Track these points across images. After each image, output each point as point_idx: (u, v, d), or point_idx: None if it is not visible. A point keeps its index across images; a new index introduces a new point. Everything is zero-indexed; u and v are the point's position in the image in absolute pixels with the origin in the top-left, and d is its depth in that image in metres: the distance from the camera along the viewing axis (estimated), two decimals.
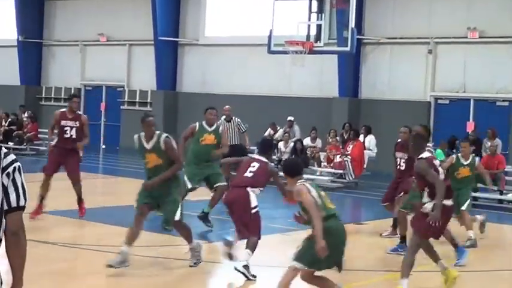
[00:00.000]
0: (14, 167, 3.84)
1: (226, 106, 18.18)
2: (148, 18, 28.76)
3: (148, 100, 29.65)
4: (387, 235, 12.47)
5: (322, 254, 6.90)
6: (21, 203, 3.82)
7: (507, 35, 22.37)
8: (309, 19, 19.55)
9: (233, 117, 17.87)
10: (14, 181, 3.81)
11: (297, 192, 7.21)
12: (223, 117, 17.57)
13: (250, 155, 11.15)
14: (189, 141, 12.90)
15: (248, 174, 9.38)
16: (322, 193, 7.28)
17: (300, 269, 7.19)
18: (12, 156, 3.87)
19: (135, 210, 9.30)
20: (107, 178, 20.93)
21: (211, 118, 12.77)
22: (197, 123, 12.73)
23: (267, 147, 10.30)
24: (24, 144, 26.03)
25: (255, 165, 9.42)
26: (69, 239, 11.13)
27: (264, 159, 9.59)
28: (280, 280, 7.27)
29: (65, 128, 12.74)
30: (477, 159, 12.40)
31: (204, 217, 12.66)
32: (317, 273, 7.36)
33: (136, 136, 9.46)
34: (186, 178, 12.51)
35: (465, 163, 12.46)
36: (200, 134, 12.60)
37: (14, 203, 3.79)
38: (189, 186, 12.57)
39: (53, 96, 32.46)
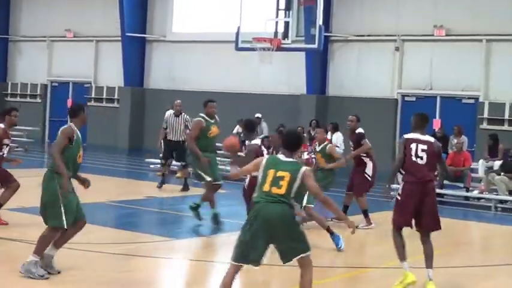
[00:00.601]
0: None
1: (178, 101, 17.95)
2: (115, 14, 28.58)
3: (116, 96, 29.47)
4: (363, 226, 12.77)
5: None
6: None
7: (473, 33, 22.57)
8: (277, 16, 19.54)
9: (182, 113, 17.59)
10: None
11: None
12: (172, 111, 17.53)
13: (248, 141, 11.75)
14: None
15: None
16: (271, 175, 6.90)
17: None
18: None
19: (67, 225, 8.40)
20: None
21: (213, 111, 12.77)
22: (201, 119, 12.61)
23: (255, 127, 11.74)
24: None
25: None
26: (36, 237, 10.98)
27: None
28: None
29: (3, 146, 11.60)
30: (329, 145, 13.59)
31: (196, 208, 12.60)
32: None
33: (71, 125, 8.59)
34: (201, 172, 12.42)
35: (318, 149, 13.40)
36: (208, 128, 12.60)
37: None
38: (208, 178, 12.44)
39: (19, 92, 32.14)
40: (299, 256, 6.89)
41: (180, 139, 17.24)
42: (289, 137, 7.26)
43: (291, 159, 7.04)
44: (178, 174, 19.06)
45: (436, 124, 22.55)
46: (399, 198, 8.69)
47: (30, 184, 13.03)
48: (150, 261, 9.93)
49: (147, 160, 22.32)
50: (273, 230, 6.83)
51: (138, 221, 12.90)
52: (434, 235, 8.79)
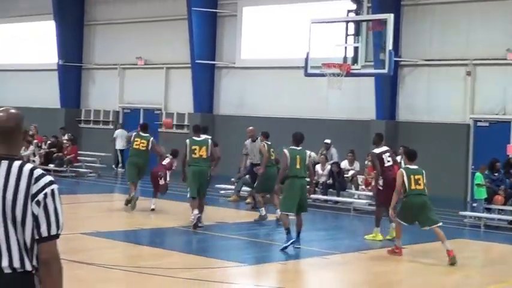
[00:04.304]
0: (45, 193, 3.66)
1: (250, 127, 18.72)
2: (185, 42, 28.98)
3: (186, 123, 29.78)
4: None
5: None
6: (53, 231, 3.66)
7: None
8: (346, 41, 19.50)
9: (258, 138, 18.38)
10: (45, 208, 3.64)
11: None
12: (249, 139, 18.67)
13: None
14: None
15: None
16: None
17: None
18: (45, 179, 3.70)
19: None
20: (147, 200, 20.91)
21: None
22: None
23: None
24: (64, 166, 26.26)
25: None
26: (110, 261, 11.14)
27: None
28: None
29: None
30: None
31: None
32: None
33: None
34: None
35: None
36: None
37: (44, 233, 3.64)
38: None
39: (92, 119, 32.81)
40: None
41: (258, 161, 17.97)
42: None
43: None
44: (231, 198, 20.25)
45: (510, 149, 22.10)
46: None
47: (100, 208, 13.28)
48: (222, 286, 9.94)
49: (217, 186, 22.41)
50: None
51: (209, 247, 12.94)
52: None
